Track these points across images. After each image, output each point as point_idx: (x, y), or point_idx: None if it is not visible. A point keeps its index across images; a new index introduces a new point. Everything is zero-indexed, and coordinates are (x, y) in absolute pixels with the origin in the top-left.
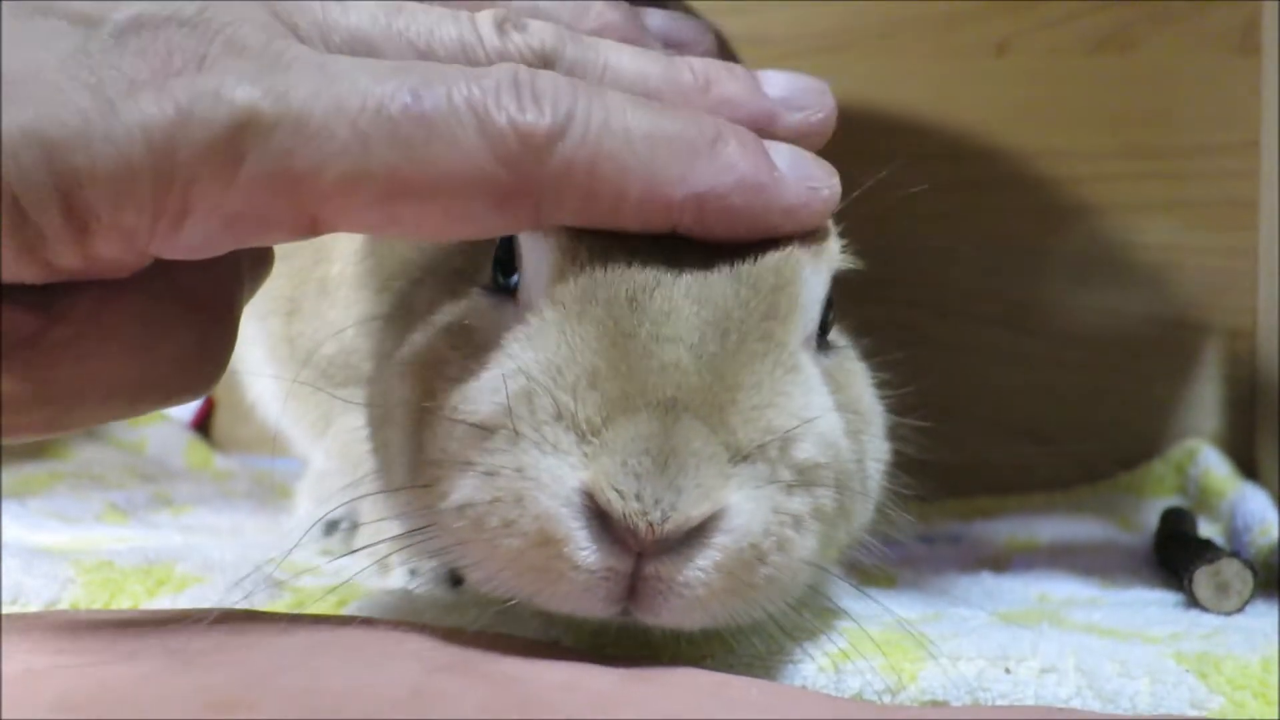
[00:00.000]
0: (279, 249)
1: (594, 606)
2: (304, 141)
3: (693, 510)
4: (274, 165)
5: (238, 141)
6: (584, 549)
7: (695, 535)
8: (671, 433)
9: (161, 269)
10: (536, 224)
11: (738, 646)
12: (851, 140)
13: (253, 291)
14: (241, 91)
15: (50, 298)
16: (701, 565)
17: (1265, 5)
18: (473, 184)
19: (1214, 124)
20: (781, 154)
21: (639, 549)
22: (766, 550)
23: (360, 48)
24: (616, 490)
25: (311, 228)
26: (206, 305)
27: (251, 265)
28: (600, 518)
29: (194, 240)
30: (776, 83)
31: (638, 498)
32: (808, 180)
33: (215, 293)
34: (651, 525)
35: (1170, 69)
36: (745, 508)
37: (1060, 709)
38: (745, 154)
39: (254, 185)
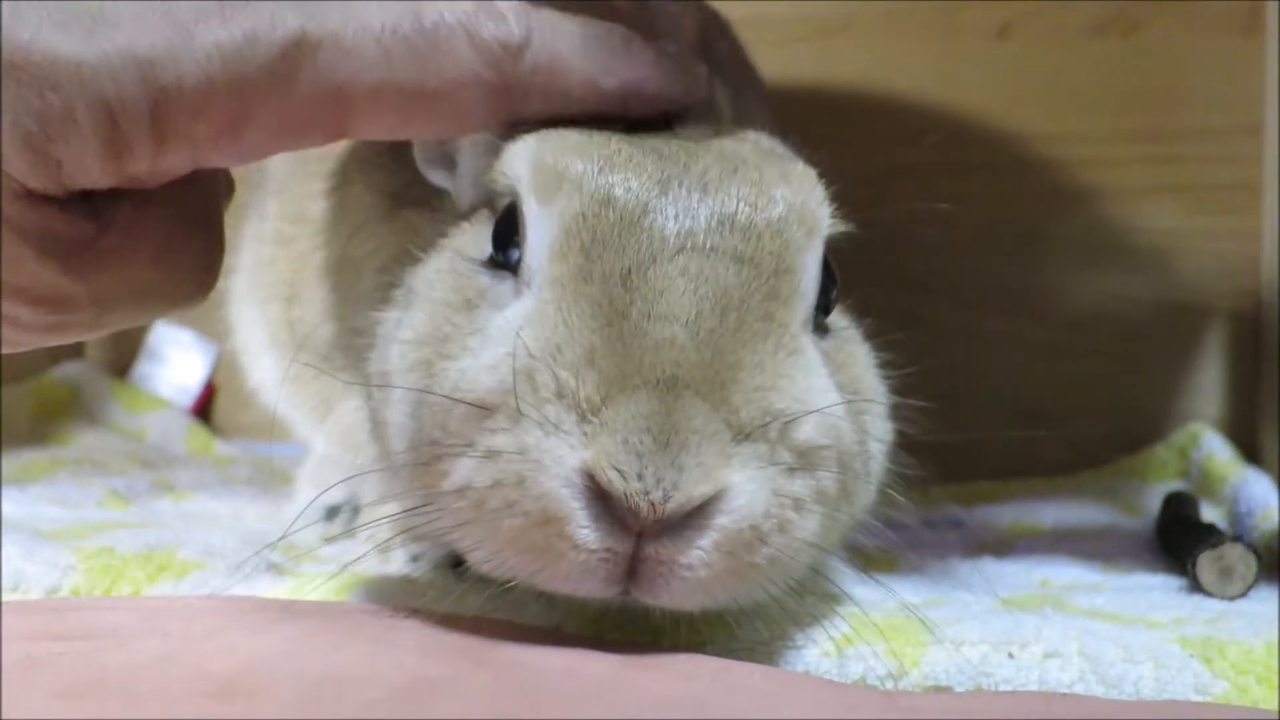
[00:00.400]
0: (280, 236)
1: (594, 587)
2: (342, 57)
3: (695, 490)
4: (322, 78)
5: (293, 59)
6: (584, 528)
7: (696, 516)
8: (673, 410)
9: (176, 189)
10: (512, 117)
11: (740, 631)
12: (853, 123)
13: (226, 206)
14: (291, 17)
15: (99, 209)
16: (702, 546)
17: None
18: (470, 85)
19: (1217, 107)
20: (670, 52)
21: (640, 529)
22: (767, 531)
23: None
24: (618, 470)
25: (340, 133)
26: (204, 220)
27: (225, 186)
28: (601, 498)
29: (247, 149)
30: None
31: (639, 477)
32: (691, 71)
33: (209, 210)
34: (653, 505)
35: (1173, 52)
36: (746, 488)
37: (1064, 694)
38: (648, 54)
39: (305, 96)
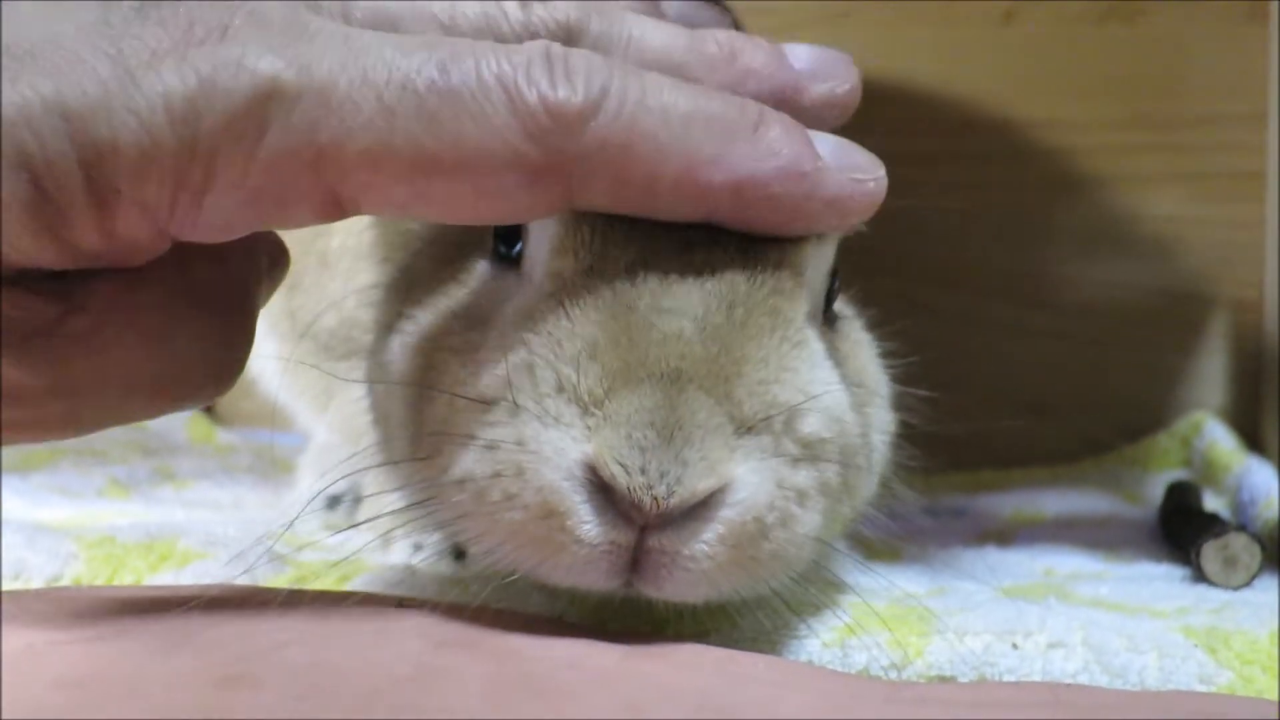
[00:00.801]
0: None
1: (596, 579)
2: (328, 114)
3: (698, 484)
4: (298, 137)
5: (261, 112)
6: (586, 522)
7: (699, 509)
8: (676, 404)
9: (179, 264)
10: (568, 204)
11: (743, 622)
12: (855, 111)
13: (271, 291)
14: (265, 62)
15: (68, 287)
16: (705, 539)
17: None
18: (502, 161)
19: (1221, 95)
20: (826, 143)
21: (643, 522)
22: (771, 524)
23: (383, 23)
24: (620, 464)
25: (336, 206)
26: (224, 302)
27: (269, 265)
28: (603, 490)
29: (215, 218)
30: (801, 55)
31: (642, 471)
32: (853, 170)
33: (233, 290)
34: (656, 499)
35: (1178, 39)
36: (750, 481)
37: (1068, 684)
38: (789, 140)
39: (277, 158)
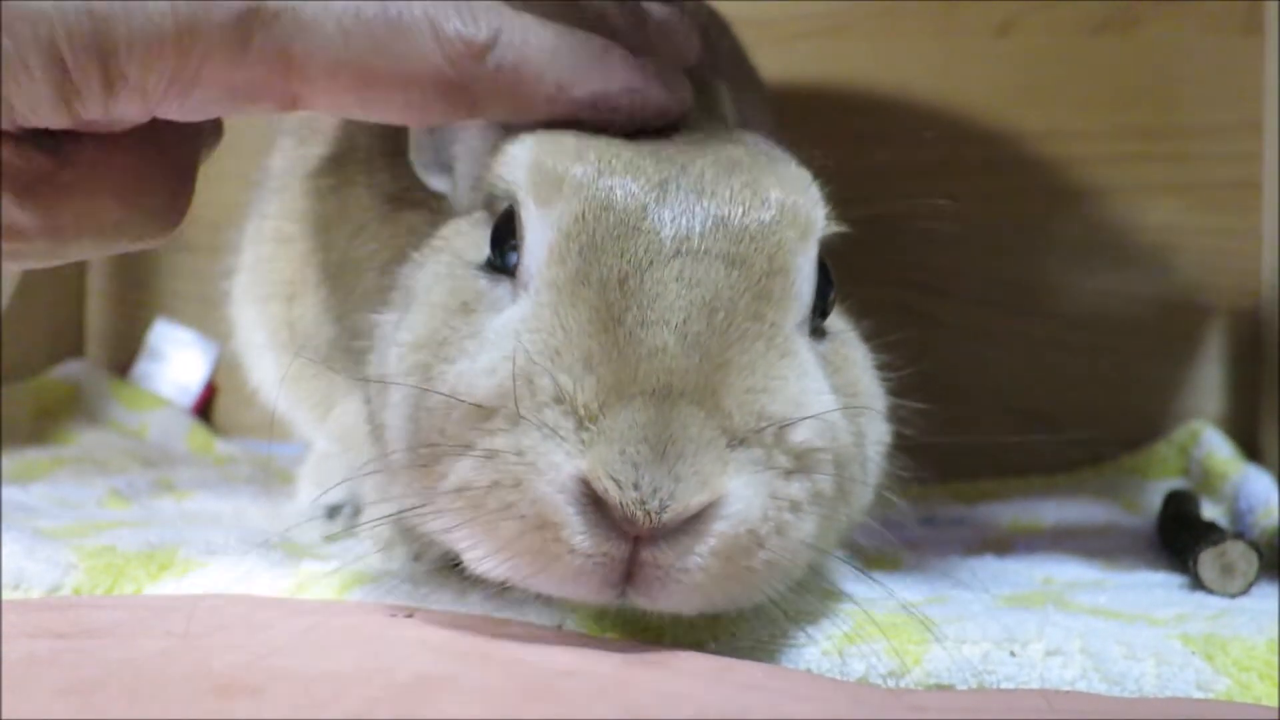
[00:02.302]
0: (280, 235)
1: (590, 591)
2: (299, 30)
3: (691, 499)
4: (275, 47)
5: (247, 25)
6: (580, 534)
7: (693, 522)
8: (669, 420)
9: (146, 133)
10: (471, 115)
11: (742, 630)
12: (853, 121)
13: (208, 154)
14: None
15: (62, 146)
16: (699, 551)
17: None
18: (427, 78)
19: (1216, 105)
20: (650, 64)
21: (636, 536)
22: (764, 535)
23: None
24: (614, 479)
25: (293, 103)
26: (177, 163)
27: (210, 135)
28: (597, 504)
29: (196, 105)
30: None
31: (635, 486)
32: (674, 88)
33: (184, 153)
34: (650, 514)
35: (1173, 50)
36: (743, 494)
37: (1065, 691)
38: (626, 64)
39: (256, 62)
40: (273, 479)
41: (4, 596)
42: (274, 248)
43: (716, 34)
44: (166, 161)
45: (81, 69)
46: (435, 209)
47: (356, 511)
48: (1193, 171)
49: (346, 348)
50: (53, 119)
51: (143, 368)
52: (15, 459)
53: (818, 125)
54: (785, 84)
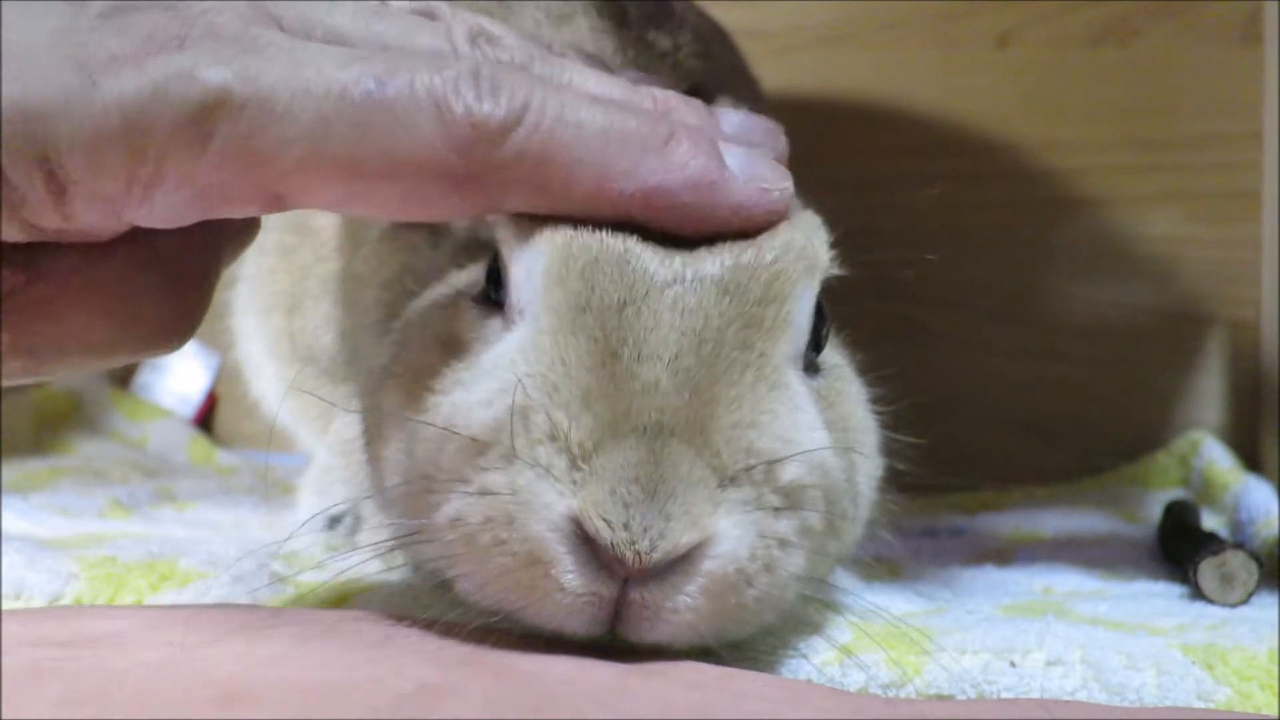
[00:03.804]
0: (282, 247)
1: (579, 626)
2: (271, 122)
3: (681, 538)
4: (241, 143)
5: (208, 119)
6: (570, 572)
7: (681, 562)
8: (660, 459)
9: (142, 235)
10: (490, 210)
11: (742, 642)
12: (853, 132)
13: (234, 258)
14: (214, 72)
15: (33, 257)
16: (688, 591)
17: None
18: (428, 169)
19: (1216, 115)
20: (734, 155)
21: (626, 575)
22: (753, 574)
23: (337, 45)
24: (605, 519)
25: (277, 202)
26: (184, 272)
27: (234, 234)
28: (588, 543)
29: (165, 209)
30: (732, 120)
31: (626, 526)
32: (759, 181)
33: (194, 260)
34: (639, 554)
35: (1172, 60)
36: (732, 534)
37: (1065, 701)
38: (696, 152)
39: (221, 160)
40: (273, 490)
41: (5, 606)
42: (276, 259)
43: (717, 46)
44: (170, 271)
45: (22, 177)
46: (437, 230)
47: (357, 522)
48: (1193, 181)
49: (347, 361)
50: (7, 231)
51: (144, 378)
52: (16, 469)
53: (817, 136)
54: (785, 95)
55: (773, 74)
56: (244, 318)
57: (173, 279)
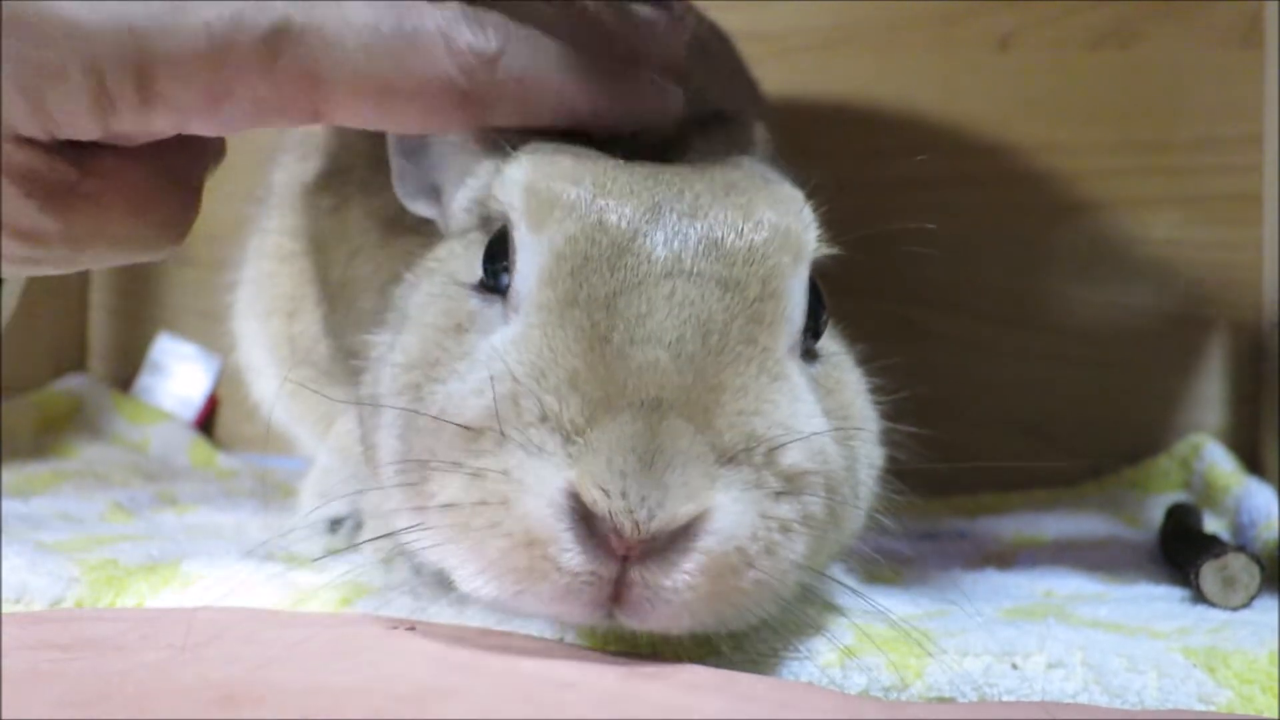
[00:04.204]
0: (281, 252)
1: (578, 610)
2: (323, 47)
3: (679, 509)
4: (301, 65)
5: (276, 42)
6: (568, 550)
7: (680, 538)
8: (657, 431)
9: (158, 150)
10: (483, 123)
11: (743, 643)
12: (853, 135)
13: (212, 171)
14: (280, 5)
15: (83, 157)
16: (687, 569)
17: None
18: (441, 88)
19: (1217, 118)
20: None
21: (624, 550)
22: (754, 554)
23: None
24: (602, 489)
25: (316, 117)
26: (183, 180)
27: (215, 152)
28: (586, 521)
29: (225, 120)
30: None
31: (623, 495)
32: (665, 97)
33: (191, 170)
34: (637, 524)
35: (1173, 63)
36: (732, 509)
37: (1066, 704)
38: (616, 79)
39: (284, 79)
40: (275, 493)
41: (6, 609)
42: (275, 264)
43: (718, 47)
44: (174, 178)
45: (119, 84)
46: (430, 233)
47: (358, 525)
48: (1193, 184)
49: (346, 364)
50: (86, 131)
51: (145, 381)
52: (17, 472)
53: (819, 139)
54: (786, 97)
55: (773, 76)
56: (245, 321)
57: (176, 184)
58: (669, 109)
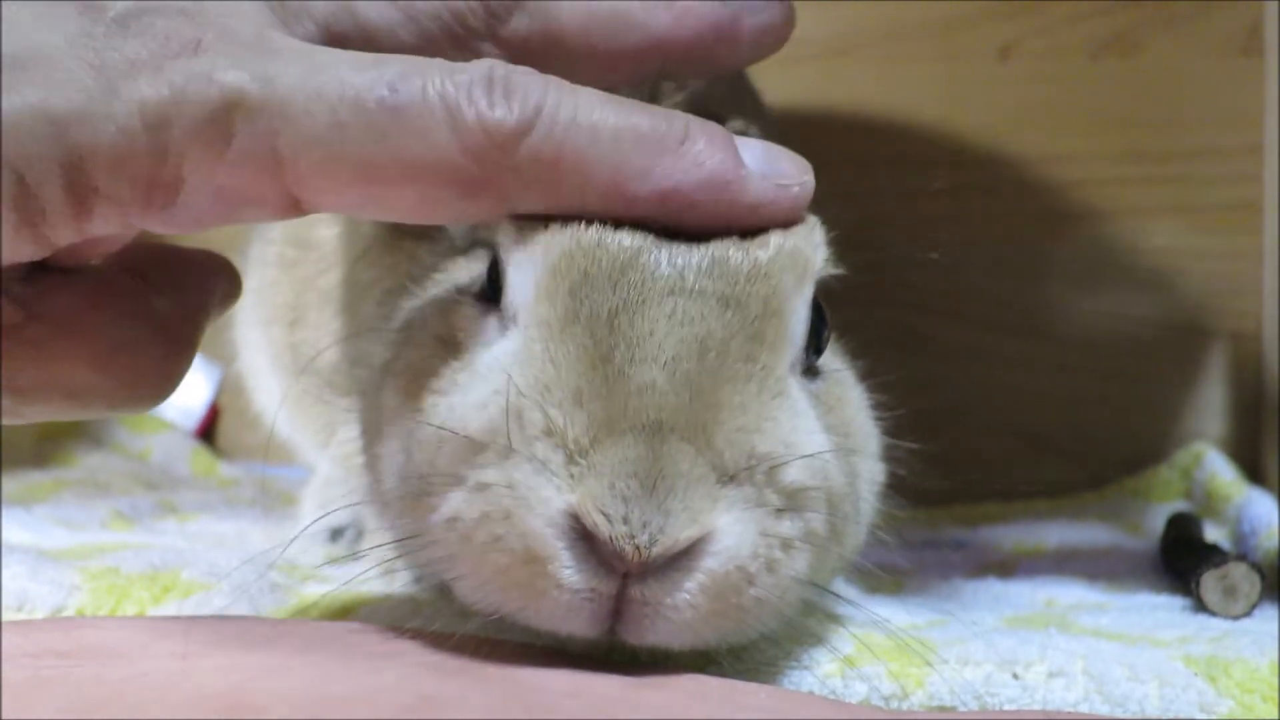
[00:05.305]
0: (284, 260)
1: (578, 626)
2: (287, 124)
3: (680, 534)
4: (259, 145)
5: (227, 121)
6: (568, 568)
7: (682, 558)
8: (659, 455)
9: (136, 291)
10: (503, 212)
11: (745, 652)
12: (854, 144)
13: (218, 316)
14: (231, 75)
15: (32, 297)
16: (688, 588)
17: (1268, 8)
18: (442, 174)
19: (1218, 127)
20: (752, 150)
21: (625, 571)
22: (755, 572)
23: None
24: (603, 513)
25: (295, 207)
26: (171, 329)
27: (222, 295)
28: (586, 539)
29: (183, 215)
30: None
31: (625, 520)
32: (778, 177)
33: (183, 317)
34: (639, 548)
35: (1173, 72)
36: (733, 530)
37: (1068, 713)
38: (713, 150)
39: (241, 162)
40: (276, 502)
41: (7, 617)
42: (277, 272)
43: None
44: (158, 327)
45: (44, 186)
46: (436, 238)
47: (360, 534)
48: (1194, 194)
49: (348, 373)
50: (20, 248)
51: None
52: (18, 481)
53: (819, 148)
54: (788, 107)
55: (775, 86)
56: (246, 330)
57: (160, 335)
58: (787, 205)
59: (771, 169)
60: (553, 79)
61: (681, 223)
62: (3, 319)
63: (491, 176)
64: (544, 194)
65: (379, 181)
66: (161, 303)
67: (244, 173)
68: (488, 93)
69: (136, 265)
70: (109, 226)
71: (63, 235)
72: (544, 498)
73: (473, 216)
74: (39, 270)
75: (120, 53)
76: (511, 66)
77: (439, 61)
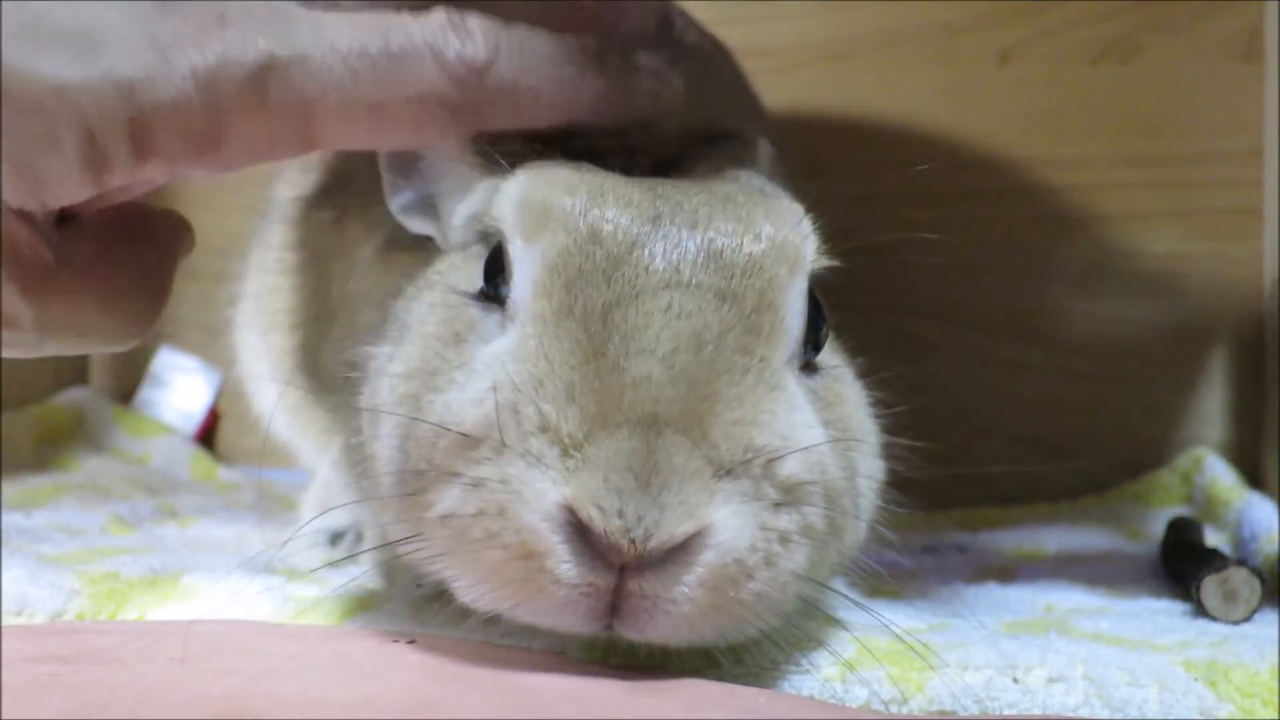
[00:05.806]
0: (283, 266)
1: (576, 622)
2: (310, 77)
3: (676, 528)
4: (290, 96)
5: (262, 79)
6: (565, 562)
7: (679, 552)
8: (654, 448)
9: (132, 244)
10: (479, 129)
11: (744, 656)
12: (854, 149)
13: (182, 261)
14: (261, 41)
15: (60, 245)
16: (686, 582)
17: (1268, 12)
18: (434, 102)
19: (1218, 132)
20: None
21: (622, 565)
22: (753, 566)
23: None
24: (598, 507)
25: (310, 146)
26: (155, 276)
27: (186, 246)
28: (582, 533)
29: (222, 161)
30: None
31: (620, 514)
32: (659, 78)
33: (163, 267)
34: (634, 542)
35: (1173, 77)
36: (730, 524)
37: (1068, 718)
38: (618, 66)
39: (276, 114)
40: (276, 506)
41: (7, 622)
42: (277, 278)
43: (719, 62)
44: (145, 273)
45: (112, 142)
46: (428, 249)
47: (359, 537)
48: (1194, 198)
49: (347, 377)
50: (78, 192)
51: (146, 395)
52: (18, 485)
53: (819, 153)
54: (787, 112)
55: (775, 91)
56: (246, 335)
57: (145, 280)
58: (667, 97)
59: (659, 75)
60: (494, 20)
61: (606, 122)
62: (45, 263)
63: (470, 100)
64: (505, 112)
65: (386, 116)
66: (145, 251)
67: (277, 121)
68: (458, 35)
69: (122, 222)
70: (158, 173)
71: (119, 179)
72: (538, 492)
73: (457, 135)
74: (61, 221)
75: (165, 29)
76: (463, 12)
77: (406, 13)
